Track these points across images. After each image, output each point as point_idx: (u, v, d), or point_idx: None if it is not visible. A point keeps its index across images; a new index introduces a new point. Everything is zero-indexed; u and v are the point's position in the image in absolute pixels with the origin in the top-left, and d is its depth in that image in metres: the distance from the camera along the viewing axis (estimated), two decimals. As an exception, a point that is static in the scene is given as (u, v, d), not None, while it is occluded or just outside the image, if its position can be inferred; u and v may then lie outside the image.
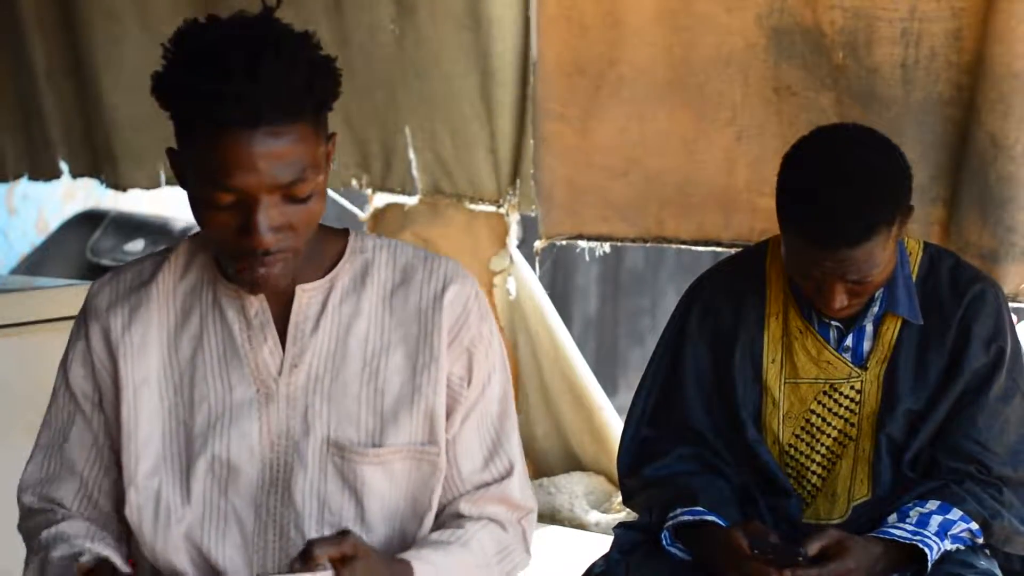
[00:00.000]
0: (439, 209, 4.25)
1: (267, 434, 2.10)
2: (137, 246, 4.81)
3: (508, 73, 3.93)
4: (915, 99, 3.05)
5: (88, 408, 2.19)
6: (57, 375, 2.21)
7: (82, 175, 4.63)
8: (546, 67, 3.60)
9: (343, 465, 2.09)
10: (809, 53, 3.14)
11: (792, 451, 2.68)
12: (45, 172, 4.68)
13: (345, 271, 2.14)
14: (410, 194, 4.25)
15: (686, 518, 2.58)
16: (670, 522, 2.58)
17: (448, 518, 2.17)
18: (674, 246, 3.50)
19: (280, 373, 2.11)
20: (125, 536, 2.19)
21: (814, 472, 2.67)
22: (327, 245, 2.14)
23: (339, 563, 1.92)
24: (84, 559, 2.04)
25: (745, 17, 3.22)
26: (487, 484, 2.18)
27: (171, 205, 5.63)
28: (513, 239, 4.16)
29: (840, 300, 2.52)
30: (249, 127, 1.93)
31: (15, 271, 5.01)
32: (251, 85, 1.91)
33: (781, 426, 2.67)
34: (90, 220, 4.98)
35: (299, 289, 2.11)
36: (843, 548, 2.44)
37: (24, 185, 5.38)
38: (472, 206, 4.16)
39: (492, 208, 4.13)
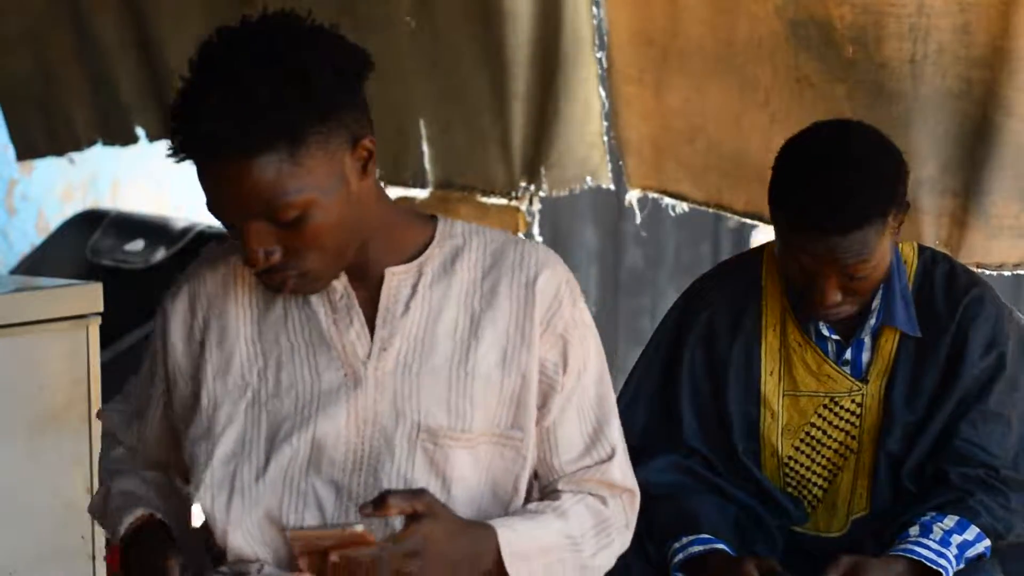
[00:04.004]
0: (451, 203, 4.23)
1: (354, 418, 2.09)
2: (137, 246, 4.78)
3: (521, 66, 3.93)
4: (923, 93, 3.05)
5: (161, 391, 2.24)
6: (154, 339, 2.24)
7: (160, 139, 4.69)
8: (619, 35, 3.65)
9: (435, 451, 2.08)
10: (823, 46, 3.15)
11: (792, 463, 2.66)
12: (120, 137, 4.73)
13: (435, 256, 2.13)
14: (422, 187, 4.23)
15: (696, 548, 2.54)
16: (680, 555, 2.55)
17: (546, 495, 2.16)
18: (730, 215, 3.55)
19: (369, 357, 2.09)
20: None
21: (815, 484, 2.66)
22: (412, 231, 2.14)
23: (410, 519, 1.94)
24: (131, 520, 2.15)
25: (767, 7, 3.25)
26: (587, 467, 2.17)
27: (171, 205, 5.62)
28: (536, 227, 4.15)
29: (832, 296, 2.50)
30: (209, 159, 1.96)
31: (15, 271, 4.98)
32: (208, 119, 1.94)
33: (780, 439, 2.66)
34: (90, 220, 4.95)
35: (388, 272, 2.10)
36: (860, 572, 2.42)
37: (24, 185, 5.38)
38: (484, 199, 4.15)
39: (503, 201, 4.12)
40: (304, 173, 1.98)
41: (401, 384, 2.09)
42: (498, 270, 2.15)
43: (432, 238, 2.16)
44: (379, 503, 1.93)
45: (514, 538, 2.06)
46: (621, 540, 2.22)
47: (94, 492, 2.33)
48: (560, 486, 2.17)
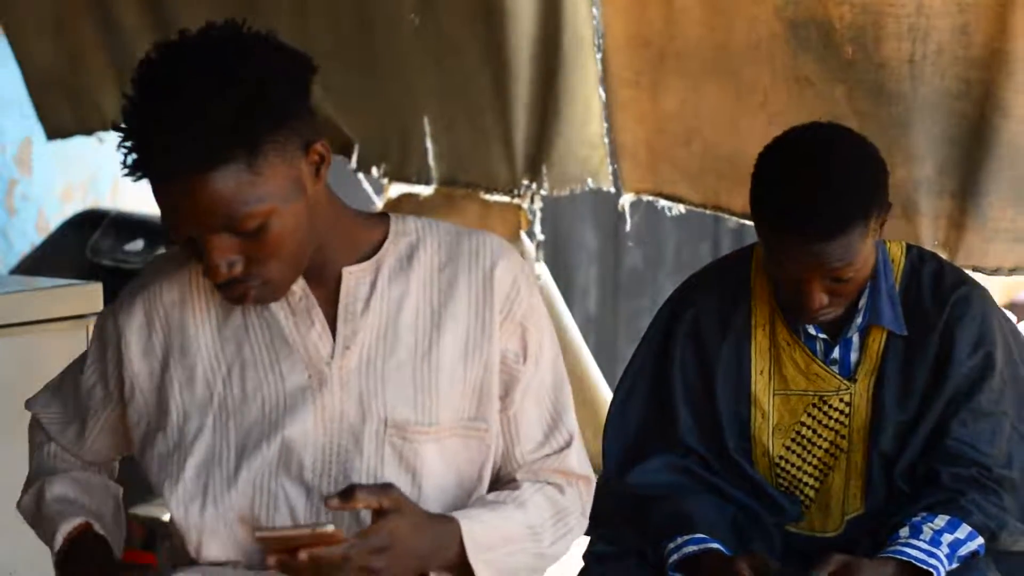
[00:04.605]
0: (454, 200, 4.24)
1: (321, 419, 2.09)
2: (137, 246, 4.79)
3: (523, 65, 3.94)
4: (922, 93, 3.06)
5: (113, 403, 2.24)
6: (99, 352, 2.24)
7: None
8: (615, 38, 3.66)
9: (403, 446, 2.09)
10: (823, 46, 3.16)
11: (783, 463, 2.66)
12: None
13: (391, 253, 2.14)
14: (426, 184, 4.24)
15: (691, 548, 2.55)
16: (675, 556, 2.55)
17: (505, 484, 2.18)
18: (727, 216, 3.56)
19: (333, 356, 2.10)
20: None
21: (807, 484, 2.65)
22: (366, 230, 2.15)
23: (377, 514, 1.95)
24: (69, 529, 2.18)
25: (767, 8, 3.26)
26: (546, 456, 2.19)
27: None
28: (537, 226, 4.15)
29: (818, 300, 2.50)
30: (164, 180, 1.97)
31: (15, 271, 4.99)
32: (163, 136, 1.93)
33: (771, 438, 2.65)
34: (90, 220, 4.95)
35: (346, 271, 2.11)
36: (850, 572, 2.42)
37: (24, 185, 5.38)
38: (487, 196, 4.15)
39: (506, 199, 4.12)
40: (263, 182, 1.99)
41: (366, 381, 2.10)
42: (455, 263, 2.16)
43: (386, 235, 2.17)
44: (346, 496, 1.95)
45: (477, 530, 2.07)
46: (578, 528, 2.24)
47: (27, 490, 2.35)
48: (518, 475, 2.19)
